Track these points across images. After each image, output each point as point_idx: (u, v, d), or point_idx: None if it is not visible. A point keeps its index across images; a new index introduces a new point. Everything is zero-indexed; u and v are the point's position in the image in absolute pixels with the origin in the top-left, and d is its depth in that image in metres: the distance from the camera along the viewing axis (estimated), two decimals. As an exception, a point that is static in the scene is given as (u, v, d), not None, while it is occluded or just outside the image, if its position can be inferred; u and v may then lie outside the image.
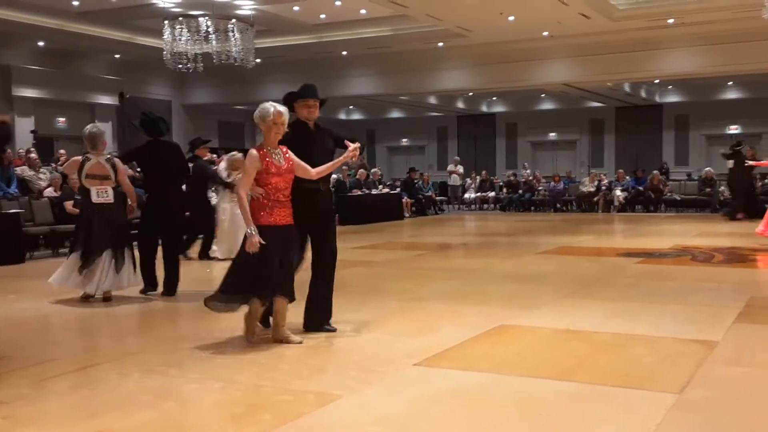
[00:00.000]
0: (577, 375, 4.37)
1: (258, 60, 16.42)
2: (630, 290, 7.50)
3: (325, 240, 5.61)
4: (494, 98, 27.53)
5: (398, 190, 20.23)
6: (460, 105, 27.07)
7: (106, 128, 11.71)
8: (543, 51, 18.67)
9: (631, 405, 3.80)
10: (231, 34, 14.34)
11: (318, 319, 5.56)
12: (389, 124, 29.83)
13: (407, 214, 19.44)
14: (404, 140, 30.42)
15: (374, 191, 18.56)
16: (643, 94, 24.50)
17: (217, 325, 5.72)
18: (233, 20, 14.48)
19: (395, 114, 29.60)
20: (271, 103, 5.19)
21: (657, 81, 23.34)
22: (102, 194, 6.92)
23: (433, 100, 25.39)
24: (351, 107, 29.48)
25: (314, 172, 5.28)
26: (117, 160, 7.23)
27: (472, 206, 23.04)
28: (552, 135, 27.95)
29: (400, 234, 15.32)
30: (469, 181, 23.62)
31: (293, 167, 5.19)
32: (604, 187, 20.55)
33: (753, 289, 7.20)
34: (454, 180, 23.38)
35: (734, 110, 24.61)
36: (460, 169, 23.46)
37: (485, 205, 22.79)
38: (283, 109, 5.18)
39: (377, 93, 22.05)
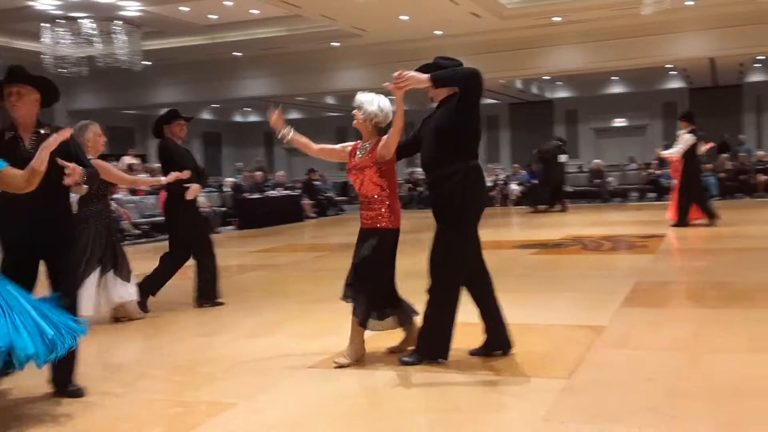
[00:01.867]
0: (474, 368, 4.42)
1: (147, 62, 15.91)
2: (525, 281, 7.70)
3: None
4: (391, 97, 27.75)
5: (298, 191, 20.08)
6: (359, 105, 27.12)
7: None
8: (436, 50, 18.80)
9: (523, 392, 3.88)
10: (116, 36, 13.81)
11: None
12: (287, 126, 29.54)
13: (309, 216, 19.32)
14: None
15: (272, 193, 18.30)
16: (534, 90, 25.28)
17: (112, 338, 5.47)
18: (118, 22, 13.95)
19: (293, 115, 29.34)
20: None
21: (547, 77, 24.13)
22: None
23: (331, 100, 25.34)
24: (247, 109, 29.05)
25: None
26: None
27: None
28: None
29: (301, 236, 15.20)
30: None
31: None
32: (500, 182, 21.06)
33: (638, 274, 7.51)
34: (355, 179, 23.38)
35: (619, 104, 25.75)
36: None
37: (387, 204, 22.91)
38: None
39: (273, 94, 21.79)
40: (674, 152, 12.01)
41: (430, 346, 4.47)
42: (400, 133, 4.49)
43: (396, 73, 4.35)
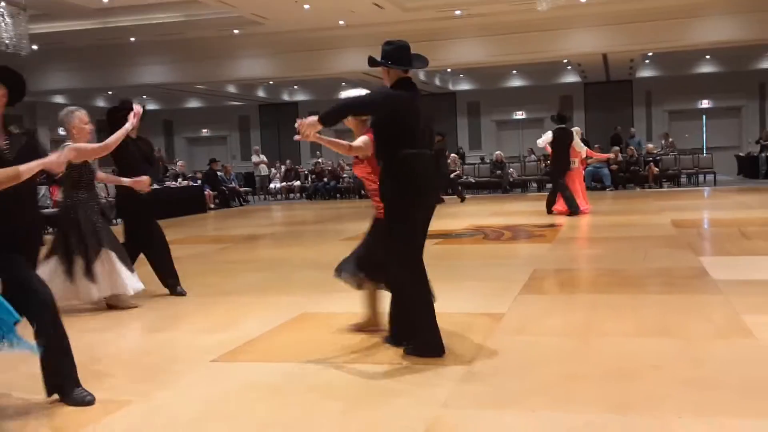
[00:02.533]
0: (376, 357, 4.44)
1: (35, 47, 15.11)
2: (428, 270, 7.76)
3: None
4: (296, 87, 27.51)
5: (199, 182, 19.61)
6: (262, 94, 26.75)
7: None
8: (341, 40, 18.89)
9: (425, 380, 3.92)
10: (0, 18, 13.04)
11: None
12: (188, 115, 28.84)
13: (211, 207, 18.93)
14: (204, 131, 29.57)
15: (172, 184, 17.80)
16: (437, 82, 25.61)
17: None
18: (1, 3, 13.17)
19: (194, 104, 28.67)
20: None
21: (449, 70, 24.49)
22: None
23: (232, 88, 24.86)
24: (144, 97, 28.09)
25: None
26: None
27: (278, 196, 22.91)
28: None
29: (204, 227, 14.87)
30: (273, 170, 23.45)
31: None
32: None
33: (536, 262, 7.75)
34: (262, 170, 23.11)
35: (519, 97, 26.47)
36: (264, 158, 23.24)
37: (291, 195, 22.76)
38: None
39: (171, 81, 21.18)
40: (540, 144, 13.24)
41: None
42: (353, 146, 4.63)
43: (297, 125, 4.39)
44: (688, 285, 6.17)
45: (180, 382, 4.12)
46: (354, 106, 4.48)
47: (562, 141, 12.67)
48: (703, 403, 3.41)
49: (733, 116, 25.31)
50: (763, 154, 20.90)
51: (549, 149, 12.98)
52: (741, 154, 22.76)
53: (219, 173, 20.42)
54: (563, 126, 12.90)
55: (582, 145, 13.66)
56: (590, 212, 12.74)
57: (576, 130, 13.31)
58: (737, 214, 11.78)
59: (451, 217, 13.84)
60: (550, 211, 12.81)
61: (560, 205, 12.71)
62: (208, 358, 4.53)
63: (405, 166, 4.32)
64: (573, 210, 12.40)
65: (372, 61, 4.52)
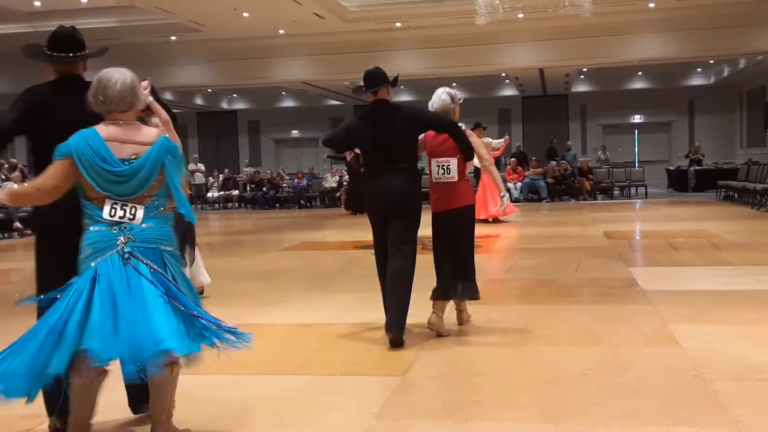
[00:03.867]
0: (309, 368, 4.39)
1: (-38, 49, 14.57)
2: (366, 281, 7.74)
3: None
4: (235, 95, 27.23)
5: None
6: (200, 101, 26.38)
7: None
8: (281, 49, 18.81)
9: (358, 391, 3.90)
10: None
11: None
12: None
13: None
14: (140, 138, 29.01)
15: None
16: (379, 93, 25.69)
17: None
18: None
19: (129, 111, 28.06)
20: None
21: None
22: None
23: (169, 96, 24.42)
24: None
25: None
26: None
27: (216, 205, 22.59)
28: (295, 132, 28.31)
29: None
30: (211, 179, 23.12)
31: None
32: (345, 183, 21.22)
33: (473, 272, 7.80)
34: (198, 178, 22.76)
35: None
36: (202, 166, 22.89)
37: (229, 204, 22.46)
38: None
39: (106, 88, 20.69)
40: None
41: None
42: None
43: None
44: (619, 295, 6.31)
45: (111, 394, 3.98)
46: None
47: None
48: (630, 412, 3.47)
49: (664, 131, 26.15)
50: (691, 168, 21.65)
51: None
52: (671, 167, 23.52)
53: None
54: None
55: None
56: (510, 219, 13.39)
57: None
58: (666, 226, 12.14)
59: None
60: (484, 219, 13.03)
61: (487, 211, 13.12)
62: (137, 371, 4.40)
63: (368, 183, 5.07)
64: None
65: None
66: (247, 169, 23.93)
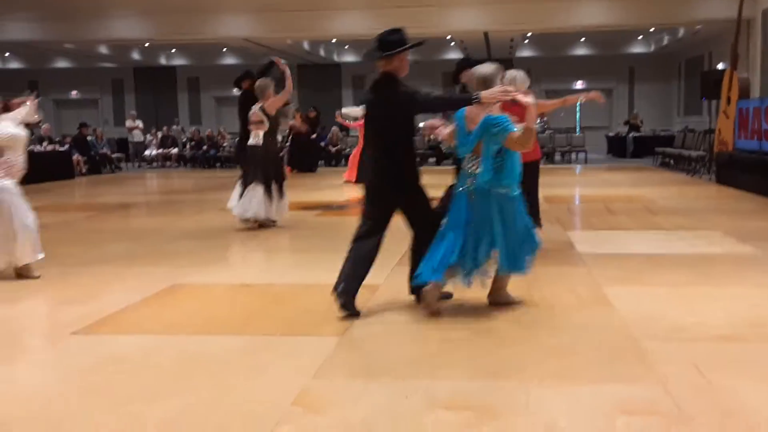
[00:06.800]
0: (247, 328, 4.35)
1: None
2: (308, 242, 7.73)
3: None
4: (173, 50, 26.45)
5: (67, 146, 18.56)
6: (137, 56, 25.55)
7: None
8: (221, 3, 18.30)
9: (297, 351, 3.87)
10: None
11: None
12: (56, 75, 27.15)
13: (81, 173, 17.99)
14: (74, 93, 27.98)
15: (36, 148, 16.71)
16: (322, 53, 25.34)
17: None
18: None
19: (62, 64, 27.02)
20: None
21: (334, 41, 24.27)
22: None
23: (104, 50, 23.61)
24: (7, 54, 26.24)
25: None
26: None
27: (154, 163, 22.06)
28: (236, 90, 27.68)
29: (71, 194, 14.11)
30: (150, 137, 22.53)
31: None
32: (288, 143, 20.96)
33: (414, 233, 7.82)
34: (136, 136, 22.16)
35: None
36: (140, 124, 22.28)
37: (168, 162, 21.96)
38: None
39: (37, 39, 19.83)
40: (357, 114, 14.41)
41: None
42: None
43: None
44: (556, 258, 6.40)
45: (37, 355, 3.90)
46: None
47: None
48: (563, 370, 3.54)
49: (605, 98, 26.56)
50: (630, 135, 22.09)
51: (356, 124, 14.26)
52: (611, 134, 23.95)
53: (90, 138, 19.40)
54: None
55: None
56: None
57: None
58: (604, 191, 12.39)
59: (333, 189, 13.80)
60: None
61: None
62: (68, 331, 4.29)
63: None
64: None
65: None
66: (176, 127, 23.41)
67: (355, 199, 11.53)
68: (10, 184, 5.83)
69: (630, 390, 3.28)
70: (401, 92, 4.49)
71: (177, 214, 10.37)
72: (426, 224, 4.73)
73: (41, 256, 5.89)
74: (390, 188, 4.65)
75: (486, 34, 20.92)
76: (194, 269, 6.13)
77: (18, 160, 5.93)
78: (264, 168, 8.27)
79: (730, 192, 11.65)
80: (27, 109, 6.10)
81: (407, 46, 4.51)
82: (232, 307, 4.90)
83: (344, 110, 14.89)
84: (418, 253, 4.72)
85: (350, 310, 4.52)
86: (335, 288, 4.57)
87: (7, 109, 6.07)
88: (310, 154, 18.95)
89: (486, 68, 4.62)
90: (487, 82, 4.51)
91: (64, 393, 3.34)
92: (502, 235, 4.41)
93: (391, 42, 4.49)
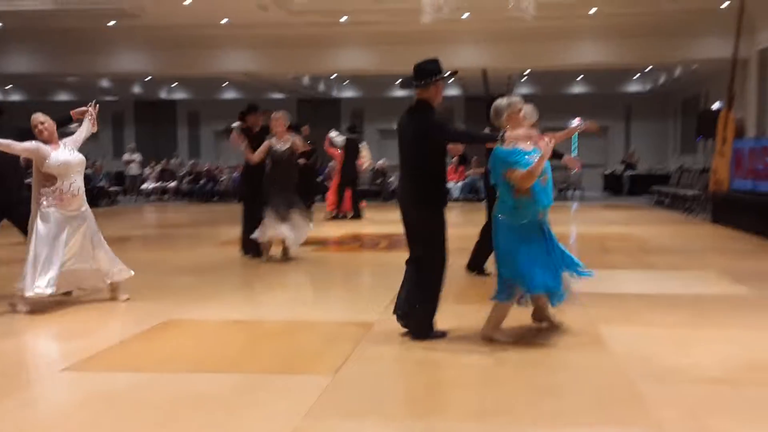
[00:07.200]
0: (240, 366, 4.32)
1: None
2: (303, 278, 7.72)
3: None
4: (175, 84, 26.67)
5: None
6: (138, 90, 25.74)
7: None
8: (223, 39, 18.47)
9: (288, 390, 3.84)
10: None
11: None
12: (57, 108, 27.15)
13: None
14: (74, 125, 28.10)
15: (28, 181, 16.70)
16: (321, 87, 25.56)
17: None
18: None
19: (63, 96, 27.19)
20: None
21: (334, 76, 24.49)
22: None
23: (106, 83, 23.81)
24: (8, 87, 26.42)
25: None
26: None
27: (151, 197, 22.08)
28: (236, 124, 27.84)
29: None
30: (148, 170, 22.60)
31: None
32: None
33: (410, 270, 7.81)
34: (133, 169, 22.21)
35: (403, 107, 26.23)
36: (138, 157, 22.35)
37: (165, 195, 21.99)
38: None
39: (39, 72, 19.99)
40: (336, 140, 14.92)
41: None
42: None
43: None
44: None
45: (27, 391, 3.86)
46: None
47: (351, 150, 14.54)
48: (558, 411, 3.51)
49: (601, 136, 26.72)
50: (626, 173, 22.18)
51: (337, 153, 14.79)
52: (607, 172, 24.06)
53: (88, 171, 19.44)
54: (353, 137, 14.82)
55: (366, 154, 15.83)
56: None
57: (363, 145, 15.43)
58: (600, 229, 12.40)
59: (329, 224, 13.81)
60: (341, 213, 14.51)
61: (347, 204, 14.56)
62: (59, 367, 4.26)
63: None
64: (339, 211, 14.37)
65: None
66: (174, 160, 23.50)
67: (350, 235, 11.54)
68: (56, 212, 5.79)
69: (624, 433, 3.25)
70: (432, 120, 4.79)
71: (173, 249, 10.36)
72: (418, 256, 4.84)
73: (130, 273, 6.26)
74: (408, 205, 4.94)
75: (484, 71, 21.13)
76: (189, 305, 6.11)
77: (68, 186, 5.91)
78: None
79: (726, 232, 11.67)
80: (88, 124, 6.29)
81: (442, 75, 4.84)
82: (225, 344, 4.88)
83: (332, 134, 15.10)
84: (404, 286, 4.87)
85: (419, 335, 4.72)
86: (394, 312, 4.88)
87: (68, 120, 6.17)
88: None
89: (499, 101, 4.88)
90: (497, 114, 4.82)
91: (49, 430, 3.30)
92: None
93: (427, 71, 4.82)
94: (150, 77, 23.63)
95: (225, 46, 18.76)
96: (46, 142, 5.94)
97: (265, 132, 8.99)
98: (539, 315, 5.13)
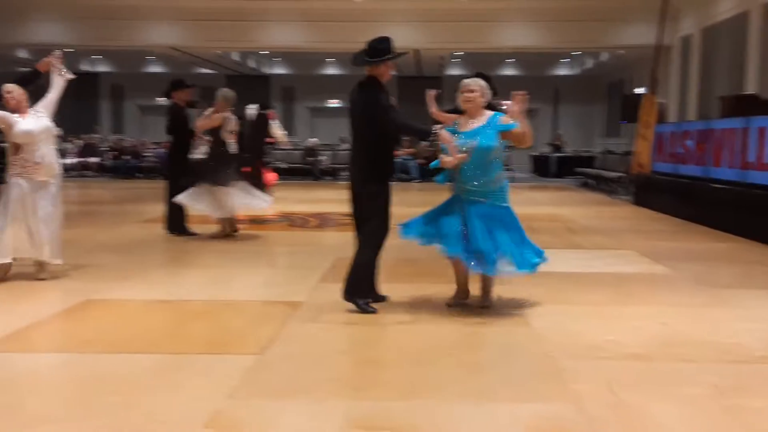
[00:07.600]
0: (162, 346, 4.21)
1: None
2: (230, 257, 7.57)
3: None
4: (97, 57, 25.74)
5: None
6: (59, 62, 24.73)
7: None
8: (147, 11, 17.93)
9: (211, 370, 3.77)
10: None
11: None
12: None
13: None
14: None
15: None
16: (252, 64, 25.11)
17: None
18: None
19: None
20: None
21: (265, 53, 24.10)
22: None
23: (24, 54, 22.75)
24: None
25: None
26: None
27: (72, 172, 21.31)
28: (161, 100, 27.14)
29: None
30: (69, 145, 21.79)
31: None
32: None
33: (339, 250, 7.73)
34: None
35: (334, 85, 26.57)
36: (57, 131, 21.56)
37: (87, 172, 21.27)
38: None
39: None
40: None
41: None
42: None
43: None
44: (476, 275, 6.44)
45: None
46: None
47: (261, 126, 12.99)
48: (483, 388, 3.55)
49: (531, 118, 27.10)
50: (553, 155, 22.65)
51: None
52: (535, 153, 24.51)
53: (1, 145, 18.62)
54: (263, 112, 13.47)
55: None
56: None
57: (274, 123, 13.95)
58: (528, 209, 12.60)
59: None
60: None
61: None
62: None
63: None
64: None
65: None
66: (96, 135, 22.79)
67: (279, 214, 11.41)
68: (21, 181, 5.69)
69: (546, 408, 3.32)
70: (381, 101, 4.94)
71: (94, 226, 10.02)
72: (363, 231, 5.06)
73: (58, 261, 5.93)
74: (358, 178, 5.08)
75: (417, 52, 21.14)
76: (111, 283, 5.92)
77: (35, 156, 5.72)
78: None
79: (647, 213, 12.05)
80: (58, 79, 6.15)
81: (393, 55, 5.08)
82: (147, 324, 4.75)
83: (250, 107, 14.04)
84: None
85: (362, 308, 4.88)
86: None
87: (36, 75, 5.83)
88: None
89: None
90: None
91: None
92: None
93: (379, 50, 5.04)
94: (72, 49, 22.71)
95: (150, 18, 18.20)
96: (13, 111, 5.74)
97: (192, 107, 8.84)
98: (460, 290, 5.34)
